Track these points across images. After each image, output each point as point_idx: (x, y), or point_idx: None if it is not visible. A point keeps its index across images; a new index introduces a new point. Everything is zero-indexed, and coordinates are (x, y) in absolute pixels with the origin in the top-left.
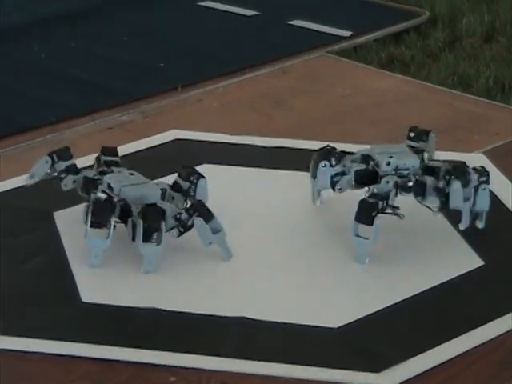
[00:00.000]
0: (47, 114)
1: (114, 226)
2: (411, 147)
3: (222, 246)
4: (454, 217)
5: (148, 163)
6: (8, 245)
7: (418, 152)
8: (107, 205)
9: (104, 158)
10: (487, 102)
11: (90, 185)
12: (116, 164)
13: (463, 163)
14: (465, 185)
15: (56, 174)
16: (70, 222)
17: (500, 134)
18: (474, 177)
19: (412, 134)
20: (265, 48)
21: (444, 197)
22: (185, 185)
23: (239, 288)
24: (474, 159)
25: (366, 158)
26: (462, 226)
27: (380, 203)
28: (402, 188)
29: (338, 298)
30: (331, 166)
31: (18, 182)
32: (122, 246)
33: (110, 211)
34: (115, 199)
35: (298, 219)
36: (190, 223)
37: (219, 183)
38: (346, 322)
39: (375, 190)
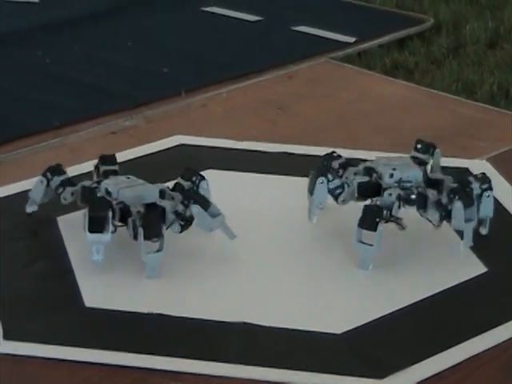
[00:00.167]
0: (51, 119)
1: (115, 227)
2: (414, 158)
3: (224, 228)
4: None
5: (151, 169)
6: (11, 249)
7: (422, 163)
8: (104, 199)
9: (102, 167)
10: (491, 109)
11: (89, 193)
12: (114, 173)
13: (467, 180)
14: (467, 206)
15: (54, 189)
16: (73, 226)
17: (503, 141)
18: (476, 185)
19: (419, 146)
20: (269, 54)
21: (445, 211)
22: (186, 185)
23: (242, 294)
24: (478, 166)
25: (369, 171)
26: (463, 246)
27: (384, 212)
28: (404, 200)
29: (342, 304)
30: (329, 181)
31: (22, 186)
32: (125, 251)
33: (107, 206)
34: (114, 203)
35: (301, 225)
36: (188, 214)
37: (223, 189)
38: (350, 328)
39: (378, 203)
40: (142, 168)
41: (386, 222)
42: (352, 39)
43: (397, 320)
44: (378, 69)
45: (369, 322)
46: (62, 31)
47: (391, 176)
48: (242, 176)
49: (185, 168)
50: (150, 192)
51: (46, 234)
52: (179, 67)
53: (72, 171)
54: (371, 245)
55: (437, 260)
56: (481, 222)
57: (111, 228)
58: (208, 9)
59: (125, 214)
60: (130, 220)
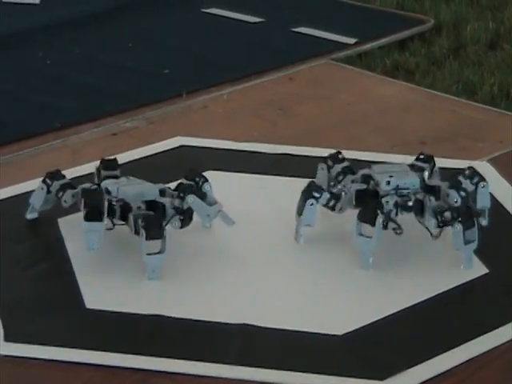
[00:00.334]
0: (51, 120)
1: (113, 224)
2: (412, 166)
3: (222, 215)
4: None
5: (152, 170)
6: (12, 251)
7: (418, 170)
8: (100, 191)
9: (104, 172)
10: (491, 110)
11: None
12: (115, 178)
13: (458, 181)
14: (467, 228)
15: (54, 193)
16: (74, 228)
17: (504, 142)
18: (467, 183)
19: (422, 157)
20: (269, 55)
21: (443, 223)
22: (189, 185)
23: (243, 295)
24: (478, 167)
25: (366, 178)
26: (463, 267)
27: (382, 218)
28: (402, 207)
29: (342, 306)
30: (318, 199)
31: (22, 188)
32: (126, 252)
33: (102, 196)
34: (114, 201)
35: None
36: (185, 206)
37: (224, 190)
38: (351, 330)
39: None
40: (142, 169)
41: (385, 229)
42: (352, 40)
43: (398, 321)
44: (378, 70)
45: (369, 324)
46: (62, 32)
47: (388, 183)
48: (243, 177)
49: (189, 169)
50: (150, 189)
51: (46, 236)
52: (180, 68)
53: (73, 173)
54: (371, 237)
55: (437, 261)
56: (480, 214)
57: (107, 221)
58: (208, 10)
59: (125, 211)
60: (130, 215)
